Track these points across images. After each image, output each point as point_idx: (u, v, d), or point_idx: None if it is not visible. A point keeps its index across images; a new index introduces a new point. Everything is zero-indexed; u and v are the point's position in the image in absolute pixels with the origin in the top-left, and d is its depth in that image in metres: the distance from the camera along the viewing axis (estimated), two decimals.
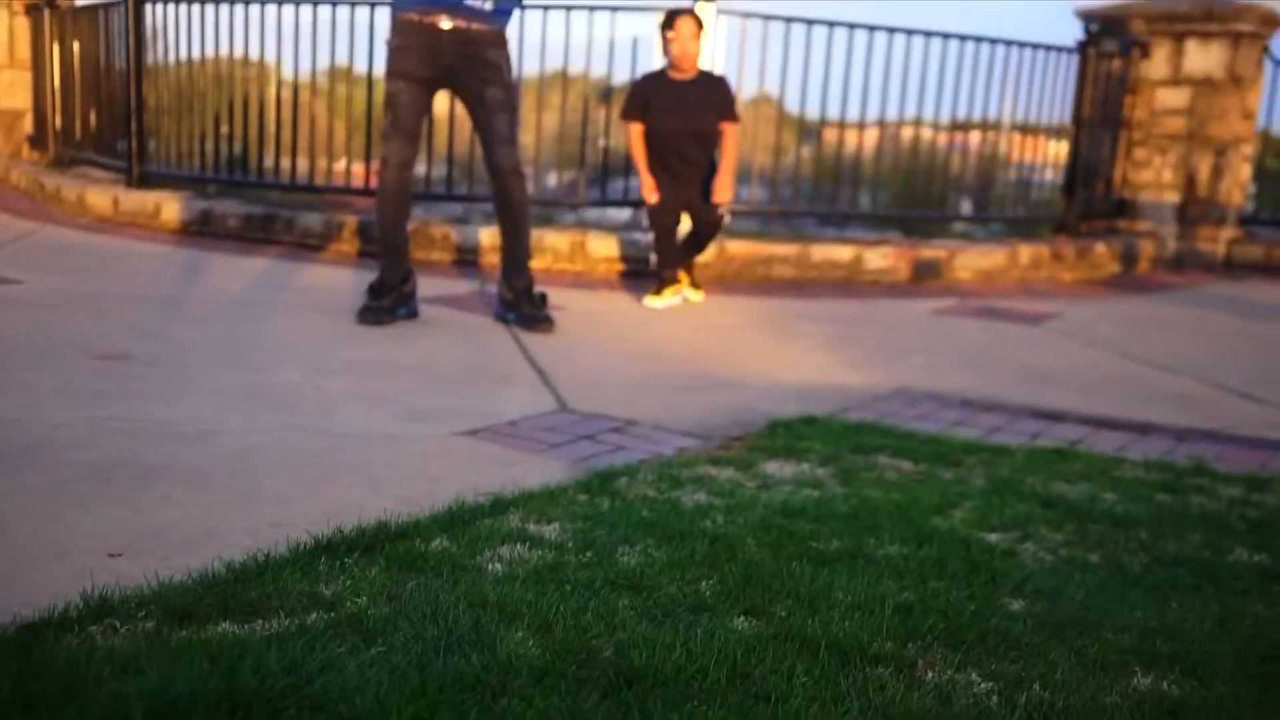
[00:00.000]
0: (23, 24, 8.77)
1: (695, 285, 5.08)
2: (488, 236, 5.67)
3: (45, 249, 5.47)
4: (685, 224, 5.09)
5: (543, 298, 4.31)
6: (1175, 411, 3.49)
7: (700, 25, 4.94)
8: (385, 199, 4.22)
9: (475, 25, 4.11)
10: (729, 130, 4.98)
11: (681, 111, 4.92)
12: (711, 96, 4.96)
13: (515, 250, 4.32)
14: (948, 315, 5.08)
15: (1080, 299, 5.76)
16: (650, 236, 5.19)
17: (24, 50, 8.79)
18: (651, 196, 4.98)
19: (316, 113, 6.46)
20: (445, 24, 4.08)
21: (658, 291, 5.00)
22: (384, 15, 5.94)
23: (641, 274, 5.59)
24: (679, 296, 5.02)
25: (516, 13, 4.32)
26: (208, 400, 2.95)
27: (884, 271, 5.89)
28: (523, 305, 4.26)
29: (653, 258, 5.30)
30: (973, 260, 6.07)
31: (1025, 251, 6.25)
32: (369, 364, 3.50)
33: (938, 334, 4.63)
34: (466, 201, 6.42)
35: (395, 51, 4.14)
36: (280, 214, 6.07)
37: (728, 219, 5.11)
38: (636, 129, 5.01)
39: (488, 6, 4.11)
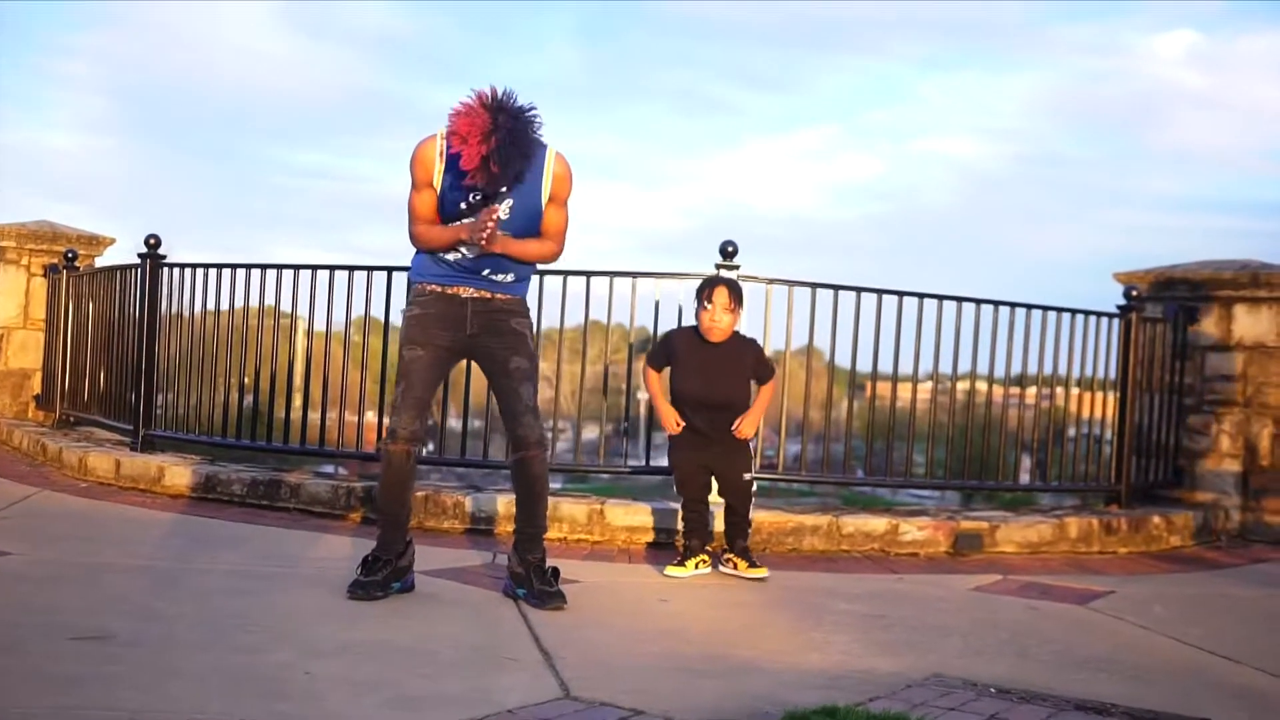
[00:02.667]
0: (39, 285, 9.23)
1: (752, 563, 5.03)
2: (503, 505, 5.75)
3: (41, 516, 5.59)
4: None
5: (555, 572, 4.34)
6: (1238, 708, 3.42)
7: (735, 296, 5.02)
8: (391, 473, 4.28)
9: (499, 295, 4.28)
10: (767, 389, 5.12)
11: (709, 377, 5.01)
12: (741, 362, 5.08)
13: (531, 524, 4.36)
14: (989, 592, 5.05)
15: (1134, 575, 5.71)
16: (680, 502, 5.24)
17: (39, 310, 9.22)
18: (674, 427, 5.03)
19: (329, 368, 6.67)
20: (468, 293, 4.25)
21: (681, 562, 5.02)
22: (383, 277, 6.36)
23: (667, 544, 5.62)
24: (707, 568, 5.03)
25: (534, 278, 4.53)
26: (189, 686, 2.97)
27: (921, 544, 5.89)
28: (533, 580, 4.27)
29: (679, 523, 5.35)
30: (1017, 533, 6.07)
31: (1074, 524, 6.24)
32: (365, 644, 3.52)
33: (978, 613, 4.60)
34: (478, 468, 6.56)
35: (414, 320, 4.28)
36: (286, 480, 6.19)
37: (755, 487, 5.16)
38: (654, 376, 5.15)
39: (509, 279, 4.29)
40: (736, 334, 5.14)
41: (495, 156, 3.90)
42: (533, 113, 4.01)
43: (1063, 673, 3.68)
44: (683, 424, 5.01)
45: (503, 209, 4.13)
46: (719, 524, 5.36)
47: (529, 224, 4.22)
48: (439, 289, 4.26)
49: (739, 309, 5.07)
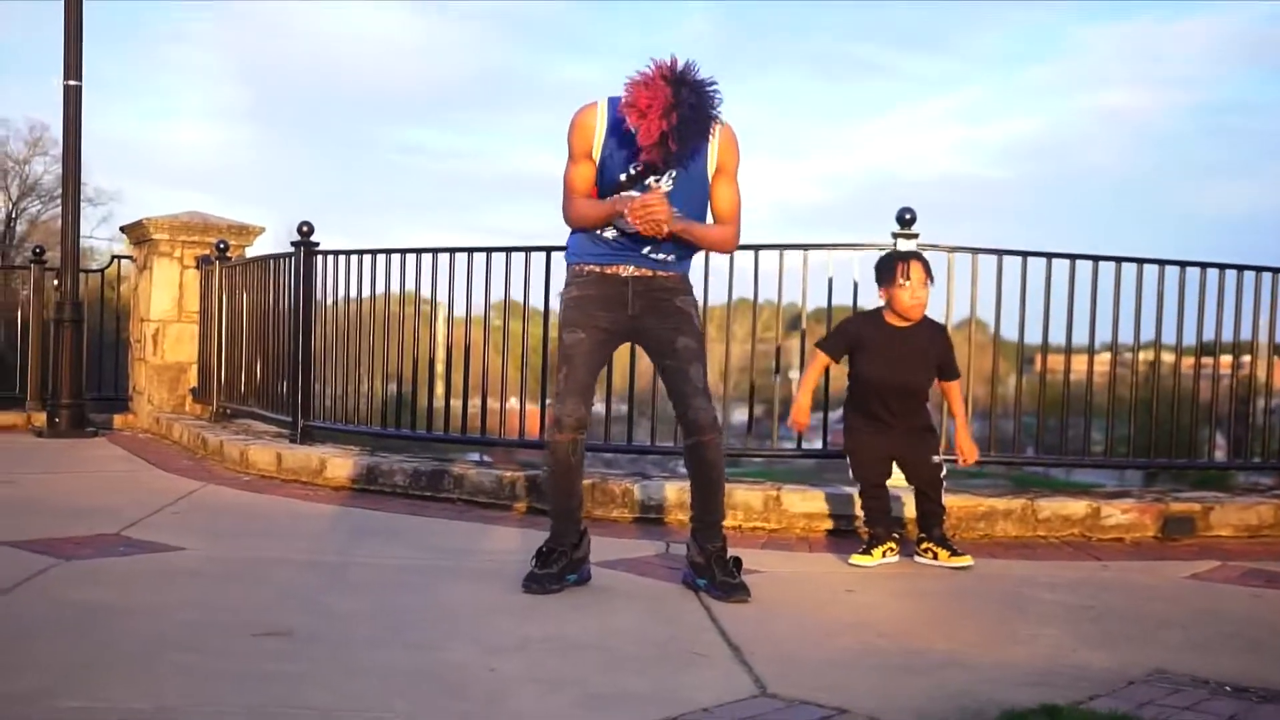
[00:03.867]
0: (192, 277, 9.57)
1: (953, 551, 4.95)
2: (673, 492, 5.75)
3: (207, 510, 5.78)
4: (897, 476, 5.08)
5: (737, 562, 4.30)
6: None
7: (929, 271, 4.97)
8: (558, 463, 4.25)
9: (661, 273, 4.23)
10: (953, 390, 5.07)
11: (897, 362, 4.93)
12: (931, 349, 5.00)
13: (708, 511, 4.32)
14: (1208, 580, 4.85)
15: None
16: (856, 488, 5.17)
17: (192, 303, 9.56)
18: (802, 417, 5.06)
19: (486, 353, 6.74)
20: (628, 272, 4.21)
21: (867, 550, 4.95)
22: (541, 257, 6.40)
23: (847, 532, 5.55)
24: (895, 556, 4.96)
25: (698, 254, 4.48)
26: (372, 683, 3.02)
27: (1126, 528, 5.70)
28: (715, 571, 4.24)
29: (858, 509, 5.28)
30: (1233, 515, 5.82)
31: None
32: (544, 640, 3.53)
33: (1197, 604, 4.42)
34: (649, 454, 6.57)
35: (572, 302, 4.24)
36: (449, 470, 6.29)
37: (945, 470, 5.06)
38: (823, 360, 5.08)
39: (671, 257, 4.23)
40: (927, 318, 5.05)
41: (675, 133, 3.81)
42: (714, 88, 3.88)
43: None
44: (807, 421, 4.97)
45: (665, 181, 4.07)
46: (905, 510, 5.29)
47: (698, 200, 4.17)
48: (598, 269, 4.22)
49: (930, 284, 4.98)
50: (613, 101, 4.06)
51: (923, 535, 5.04)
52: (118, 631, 3.43)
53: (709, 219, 4.25)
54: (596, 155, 4.11)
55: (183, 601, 3.86)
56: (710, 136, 3.99)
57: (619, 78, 4.12)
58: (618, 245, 4.18)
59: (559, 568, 4.24)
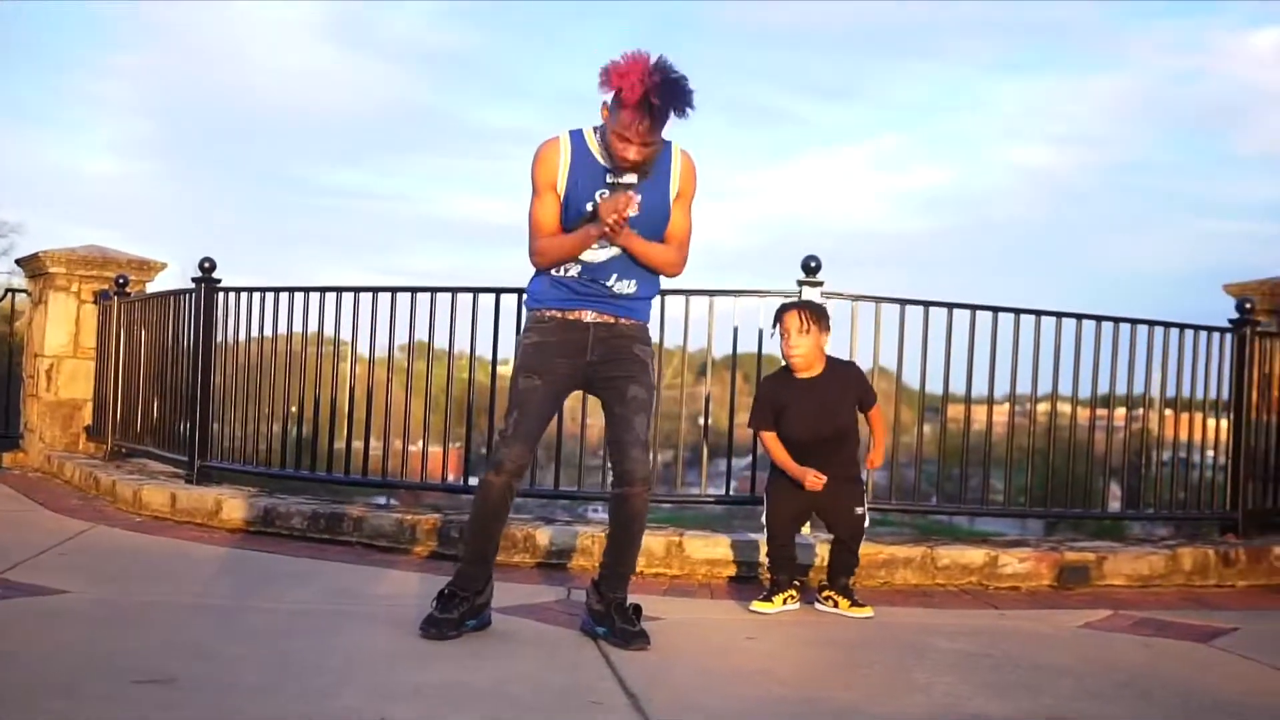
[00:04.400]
0: (90, 312, 9.34)
1: (854, 601, 4.92)
2: (576, 538, 5.70)
3: (95, 552, 5.61)
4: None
5: (637, 610, 4.26)
6: None
7: (808, 320, 4.90)
8: (487, 505, 4.17)
9: (623, 320, 4.21)
10: (873, 415, 5.03)
11: (817, 414, 4.90)
12: (847, 390, 4.97)
13: (621, 563, 4.27)
14: (1101, 629, 4.90)
15: (1258, 611, 5.53)
16: (764, 535, 5.11)
17: (89, 339, 9.34)
18: (811, 476, 4.84)
19: (389, 394, 6.65)
20: (590, 318, 4.19)
21: (768, 597, 4.92)
22: (426, 298, 6.34)
23: (749, 579, 5.54)
24: (795, 604, 4.94)
25: (655, 302, 4.45)
26: None
27: (1022, 577, 5.76)
28: (615, 619, 4.18)
29: (763, 556, 5.26)
30: (1126, 565, 5.91)
31: (1188, 555, 6.06)
32: (440, 687, 3.46)
33: (1090, 652, 4.46)
34: (543, 498, 6.53)
35: (532, 348, 4.20)
36: (348, 513, 6.18)
37: (868, 522, 5.05)
38: (770, 438, 4.97)
39: (633, 289, 4.19)
40: (831, 360, 5.03)
41: (656, 91, 3.86)
42: (688, 80, 3.96)
43: (1189, 718, 3.54)
44: (821, 478, 4.83)
45: (632, 207, 4.05)
46: (814, 558, 5.30)
47: (656, 222, 4.17)
48: (560, 314, 4.19)
49: (819, 330, 4.91)
50: (574, 134, 4.14)
51: (825, 583, 5.03)
52: None
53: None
54: (561, 188, 4.12)
55: (62, 646, 3.72)
56: (661, 155, 4.09)
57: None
58: (581, 288, 4.16)
59: (459, 613, 4.15)
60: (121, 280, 8.93)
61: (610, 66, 3.93)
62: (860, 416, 5.06)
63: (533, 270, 4.28)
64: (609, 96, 4.00)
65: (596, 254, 4.13)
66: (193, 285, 7.40)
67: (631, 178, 4.07)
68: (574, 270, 4.17)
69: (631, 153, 3.99)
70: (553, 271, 4.20)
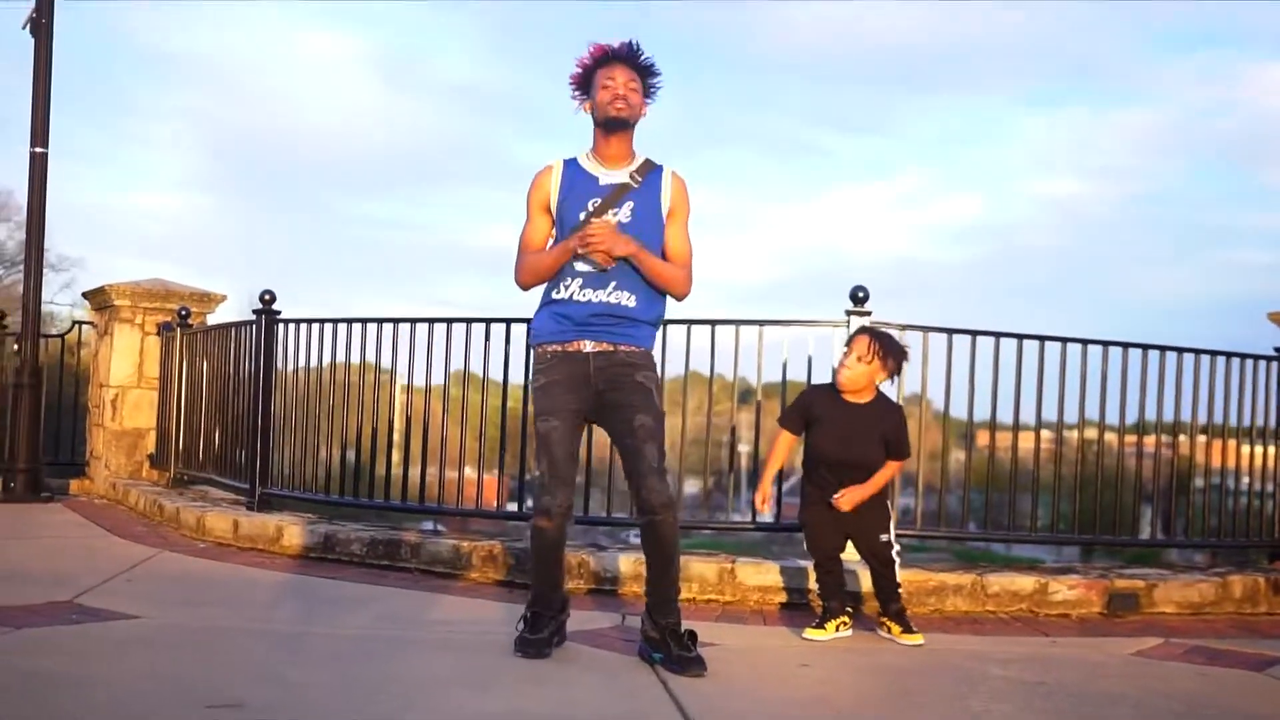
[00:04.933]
0: (153, 343, 9.44)
1: (906, 628, 4.87)
2: (627, 564, 5.68)
3: (162, 578, 5.64)
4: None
5: (692, 636, 4.23)
6: None
7: (873, 351, 4.88)
8: (546, 548, 4.24)
9: (622, 347, 4.21)
10: (890, 466, 4.95)
11: (847, 437, 4.89)
12: (880, 426, 4.92)
13: (662, 586, 4.26)
14: (1153, 657, 4.83)
15: None
16: (810, 562, 5.10)
17: (152, 369, 9.43)
18: (763, 506, 5.02)
19: (444, 423, 6.66)
20: (589, 348, 4.19)
21: (820, 624, 4.88)
22: (498, 326, 6.37)
23: (800, 605, 5.49)
24: (848, 630, 4.90)
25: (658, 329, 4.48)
26: None
27: (1073, 604, 5.68)
28: (670, 645, 4.17)
29: (812, 583, 5.23)
30: (1176, 592, 5.82)
31: (1238, 582, 5.96)
32: (501, 714, 3.45)
33: (1145, 680, 4.39)
34: (600, 525, 6.51)
35: (541, 390, 4.23)
36: (405, 539, 6.19)
37: (897, 548, 5.00)
38: (787, 439, 5.02)
39: (634, 303, 4.19)
40: (882, 395, 5.01)
41: (615, 46, 4.20)
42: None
43: None
44: (770, 505, 4.98)
45: (623, 212, 4.17)
46: (861, 583, 5.25)
47: (652, 230, 4.24)
48: (559, 347, 4.22)
49: (879, 365, 4.87)
50: (568, 160, 4.27)
51: (881, 610, 4.99)
52: (69, 702, 3.32)
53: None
54: (554, 206, 4.23)
55: (135, 671, 3.74)
56: (651, 170, 4.26)
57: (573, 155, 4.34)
58: (578, 310, 4.17)
59: (549, 631, 4.25)
60: (184, 312, 9.01)
61: (572, 77, 4.25)
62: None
63: (533, 301, 4.37)
64: (582, 95, 4.26)
65: (591, 264, 4.16)
66: (254, 317, 7.46)
67: (623, 177, 4.21)
68: (575, 285, 4.19)
69: (620, 106, 4.16)
70: (554, 294, 4.24)
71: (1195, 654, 4.89)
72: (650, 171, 4.27)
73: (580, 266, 4.17)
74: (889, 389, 5.14)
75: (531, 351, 4.37)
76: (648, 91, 4.29)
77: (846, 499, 4.82)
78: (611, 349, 4.20)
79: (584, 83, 4.27)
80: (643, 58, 4.25)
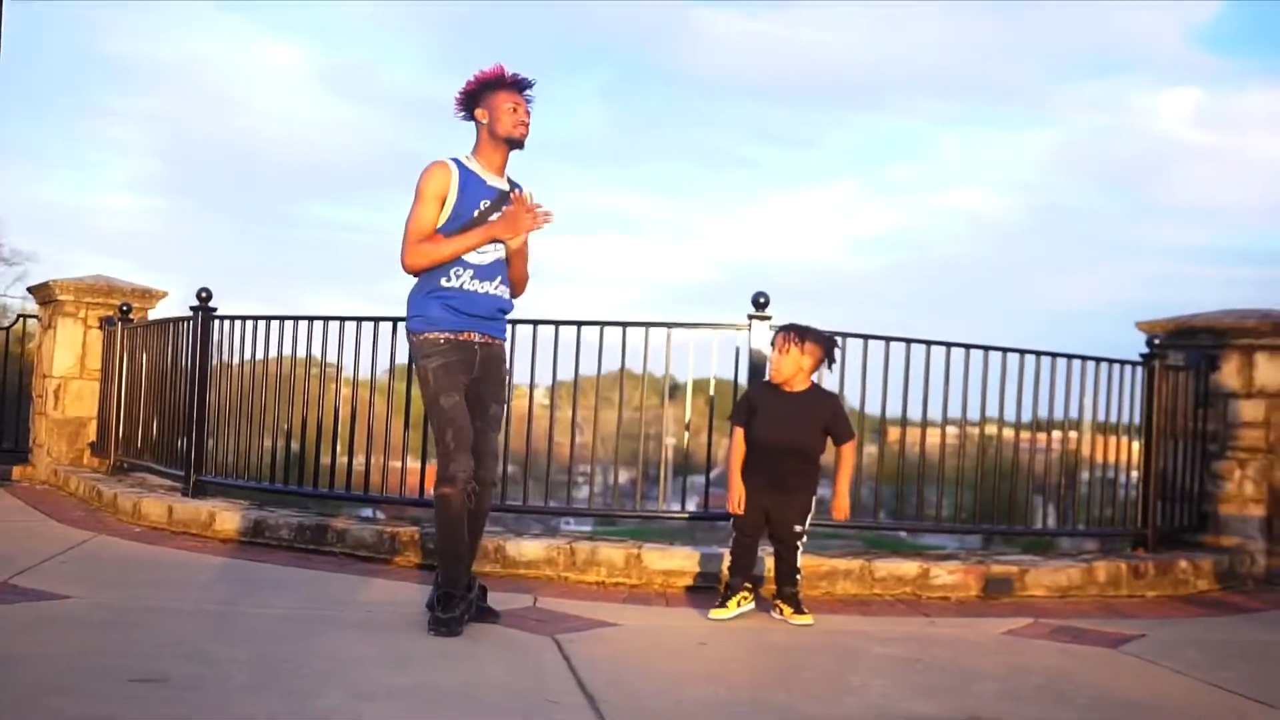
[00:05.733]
0: (95, 336, 9.30)
1: (798, 609, 4.95)
2: (540, 549, 5.72)
3: (96, 560, 5.58)
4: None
5: (483, 591, 4.55)
6: None
7: (789, 341, 5.00)
8: (453, 514, 4.33)
9: (496, 340, 4.54)
10: (843, 452, 5.04)
11: (786, 425, 4.97)
12: (815, 412, 5.02)
13: (475, 547, 4.59)
14: (1022, 636, 4.96)
15: (1164, 619, 5.60)
16: (728, 548, 5.17)
17: (94, 361, 9.29)
18: (737, 509, 4.97)
19: (372, 415, 6.64)
20: (476, 339, 4.43)
21: (723, 603, 4.95)
22: None
23: (703, 588, 5.56)
24: (749, 605, 4.99)
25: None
26: None
27: (952, 587, 5.81)
28: (437, 609, 4.33)
29: (719, 567, 5.34)
30: (1046, 577, 5.97)
31: (1102, 568, 6.13)
32: (411, 689, 3.47)
33: (1011, 658, 4.51)
34: (515, 512, 6.53)
35: (440, 369, 4.36)
36: (332, 525, 6.17)
37: (804, 539, 5.07)
38: (739, 435, 5.06)
39: (507, 294, 4.51)
40: (816, 385, 5.13)
41: (514, 74, 4.44)
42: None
43: (1099, 716, 3.60)
44: (743, 505, 4.96)
45: (494, 216, 4.40)
46: (762, 568, 5.33)
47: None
48: (453, 336, 4.40)
49: (798, 351, 4.97)
50: (454, 160, 4.45)
51: (775, 592, 5.06)
52: None
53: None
54: (451, 200, 4.37)
55: (64, 648, 3.71)
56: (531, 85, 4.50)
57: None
58: (468, 303, 4.37)
59: (460, 610, 4.30)
60: (125, 308, 8.89)
61: (467, 85, 4.44)
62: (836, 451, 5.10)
63: (412, 287, 4.48)
64: (464, 112, 4.48)
65: (484, 256, 4.40)
66: (190, 313, 7.39)
67: (504, 185, 4.48)
68: (466, 275, 4.37)
69: (524, 129, 4.44)
70: (442, 283, 4.36)
71: (1060, 633, 5.02)
72: (512, 182, 4.55)
73: (471, 259, 4.38)
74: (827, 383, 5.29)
75: (416, 336, 4.41)
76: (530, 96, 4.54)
77: (840, 509, 5.05)
78: (490, 341, 4.50)
79: (470, 100, 4.47)
80: (530, 83, 4.50)
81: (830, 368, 5.20)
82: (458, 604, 4.30)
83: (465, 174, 4.42)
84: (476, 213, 4.38)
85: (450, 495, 4.29)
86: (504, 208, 4.41)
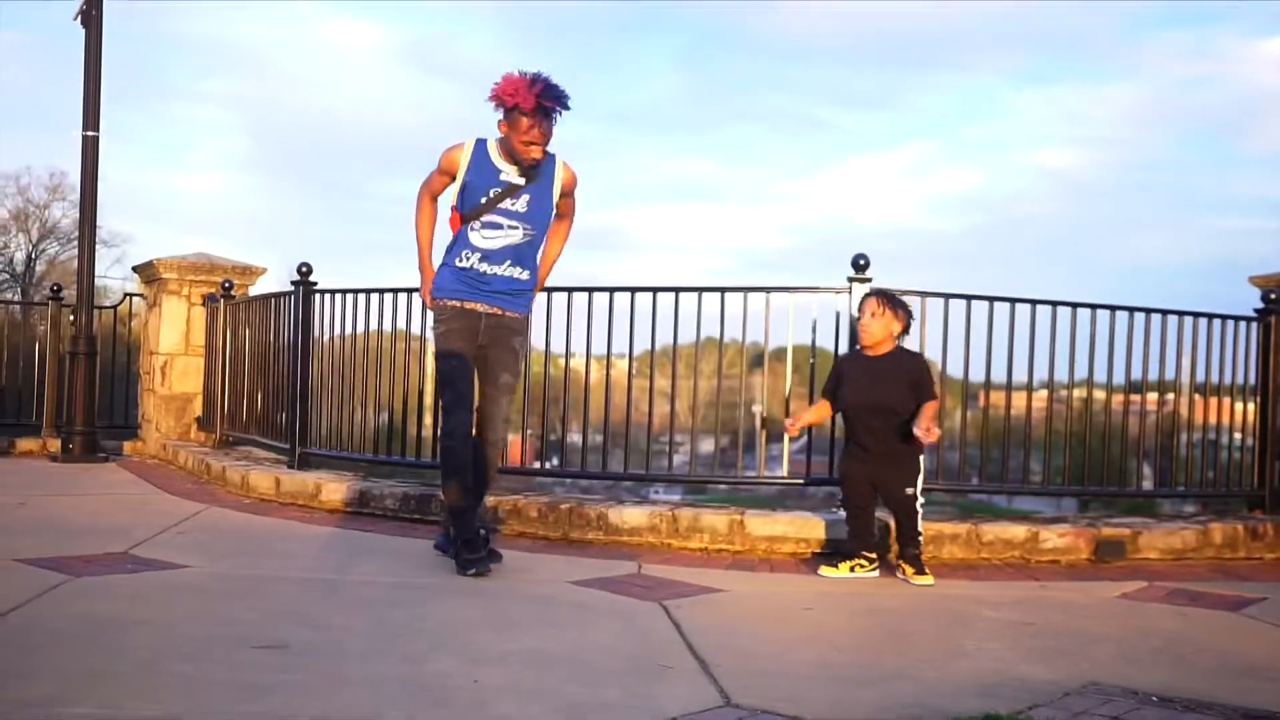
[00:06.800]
0: (199, 313, 9.52)
1: (920, 570, 5.00)
2: (643, 517, 5.74)
3: (210, 531, 5.73)
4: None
5: (486, 537, 4.86)
6: None
7: (883, 305, 5.08)
8: (459, 463, 4.75)
9: (509, 312, 4.79)
10: (928, 407, 5.03)
11: (869, 387, 5.06)
12: (901, 373, 5.05)
13: (480, 495, 4.96)
14: (1137, 599, 4.86)
15: None
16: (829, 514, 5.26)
17: (198, 338, 9.51)
18: (793, 429, 5.33)
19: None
20: (481, 309, 4.75)
21: (834, 563, 5.01)
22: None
23: (803, 554, 5.55)
24: (865, 572, 5.04)
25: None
26: (364, 693, 2.99)
27: (1062, 551, 5.71)
28: (462, 550, 4.73)
29: (816, 532, 5.53)
30: (1160, 539, 5.85)
31: (1219, 530, 5.99)
32: (523, 654, 3.51)
33: (1127, 621, 4.43)
34: (623, 480, 6.56)
35: (443, 335, 4.79)
36: (435, 495, 6.25)
37: (921, 500, 5.07)
38: (823, 402, 5.29)
39: (523, 275, 4.79)
40: (900, 348, 5.16)
41: (546, 96, 4.52)
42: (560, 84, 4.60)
43: (1224, 681, 3.52)
44: (801, 424, 5.31)
45: (520, 203, 4.70)
46: (882, 533, 5.34)
47: (543, 215, 4.78)
48: (458, 304, 4.75)
49: (891, 315, 5.08)
50: (479, 140, 4.73)
51: (898, 554, 5.08)
52: (125, 643, 3.39)
53: (549, 223, 4.88)
54: (460, 177, 4.71)
55: (186, 615, 3.82)
56: (544, 163, 4.70)
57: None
58: (476, 278, 4.71)
59: (486, 549, 4.73)
60: (227, 284, 9.09)
61: (497, 89, 4.57)
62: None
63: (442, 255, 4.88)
64: (501, 113, 4.60)
65: (491, 242, 4.71)
66: (291, 288, 7.52)
67: (519, 179, 4.67)
68: (474, 258, 4.71)
69: (535, 152, 4.62)
70: (456, 261, 4.74)
71: (1176, 596, 4.92)
72: (545, 163, 4.72)
73: (478, 243, 4.69)
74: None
75: (433, 302, 4.82)
76: (560, 111, 4.63)
77: (925, 427, 4.90)
78: (500, 313, 4.78)
79: (499, 103, 4.62)
80: (555, 107, 4.57)
81: (906, 335, 5.26)
82: (482, 544, 4.71)
83: (481, 156, 4.70)
84: (484, 199, 4.67)
85: (452, 447, 4.74)
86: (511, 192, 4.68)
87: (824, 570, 4.97)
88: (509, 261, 4.75)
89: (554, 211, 4.85)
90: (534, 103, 4.52)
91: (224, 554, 5.12)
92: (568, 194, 4.89)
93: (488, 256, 4.72)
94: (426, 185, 4.87)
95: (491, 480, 5.03)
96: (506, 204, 4.69)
